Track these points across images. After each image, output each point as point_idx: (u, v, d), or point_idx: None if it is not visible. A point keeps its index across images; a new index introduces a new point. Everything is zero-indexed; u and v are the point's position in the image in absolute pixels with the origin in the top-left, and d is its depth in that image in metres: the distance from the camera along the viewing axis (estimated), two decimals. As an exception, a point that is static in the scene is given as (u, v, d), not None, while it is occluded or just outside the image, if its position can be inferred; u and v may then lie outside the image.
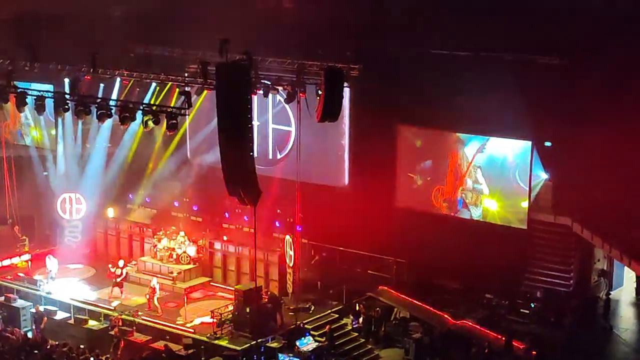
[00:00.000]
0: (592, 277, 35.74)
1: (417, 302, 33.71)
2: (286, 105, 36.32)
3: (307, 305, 32.98)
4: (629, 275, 35.92)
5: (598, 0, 32.28)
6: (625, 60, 31.44)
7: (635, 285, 35.67)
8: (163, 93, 36.77)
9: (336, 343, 31.41)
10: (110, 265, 35.21)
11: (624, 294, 36.16)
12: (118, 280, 34.50)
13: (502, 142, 34.92)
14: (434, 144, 36.76)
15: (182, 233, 36.95)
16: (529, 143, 34.18)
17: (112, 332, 31.21)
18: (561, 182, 34.63)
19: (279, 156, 40.18)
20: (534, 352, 29.61)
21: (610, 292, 35.02)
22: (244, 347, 29.68)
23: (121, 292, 34.38)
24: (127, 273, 35.43)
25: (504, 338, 30.54)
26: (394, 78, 35.77)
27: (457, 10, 34.21)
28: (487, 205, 35.43)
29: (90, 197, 40.07)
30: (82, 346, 29.40)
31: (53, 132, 42.56)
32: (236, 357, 28.95)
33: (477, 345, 30.52)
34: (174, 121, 28.89)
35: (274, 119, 39.78)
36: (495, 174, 35.18)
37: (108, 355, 28.80)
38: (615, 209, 32.95)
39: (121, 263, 35.14)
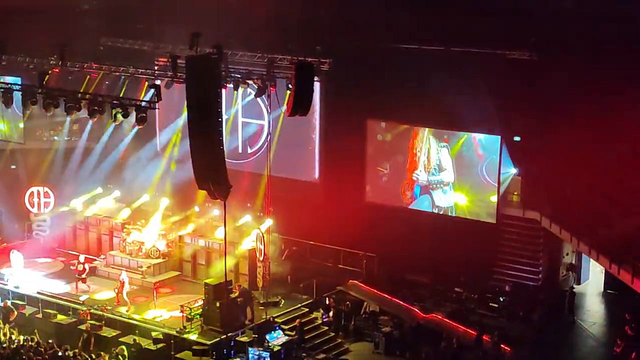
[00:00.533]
0: (561, 271, 36.03)
1: (387, 296, 33.84)
2: (258, 100, 36.28)
3: (277, 300, 32.97)
4: (596, 269, 36.20)
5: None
6: (594, 56, 31.66)
7: (603, 279, 35.92)
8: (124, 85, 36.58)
9: (306, 337, 31.42)
10: (74, 262, 34.98)
11: (591, 288, 36.43)
12: (82, 275, 34.26)
13: (470, 136, 35.02)
14: (403, 138, 36.78)
15: (150, 226, 36.74)
16: (498, 138, 34.32)
17: (83, 327, 30.99)
18: (530, 177, 34.84)
19: (249, 150, 40.12)
20: (503, 346, 29.77)
21: (574, 286, 35.25)
22: (213, 341, 29.60)
23: (88, 287, 34.17)
24: (91, 267, 35.18)
25: (474, 332, 30.71)
26: (364, 73, 35.83)
27: (427, 5, 34.27)
28: (456, 199, 35.55)
29: (58, 191, 39.78)
30: (50, 341, 29.18)
31: (21, 125, 42.21)
32: (206, 352, 28.87)
33: (446, 339, 30.63)
34: (144, 114, 28.73)
35: (244, 112, 39.71)
36: (464, 168, 35.31)
37: (76, 350, 28.58)
38: (584, 203, 33.21)
39: (82, 258, 34.89)
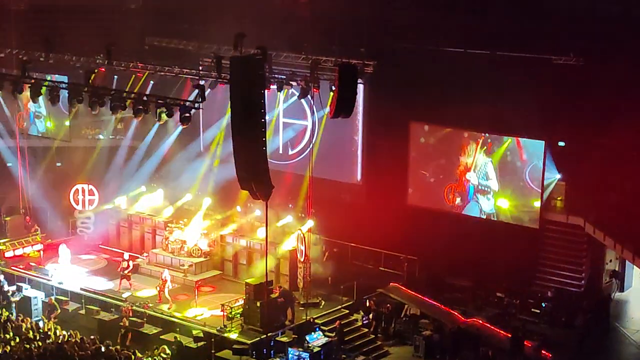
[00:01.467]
0: (604, 278, 35.65)
1: (427, 300, 33.70)
2: (302, 101, 36.37)
3: (318, 301, 32.99)
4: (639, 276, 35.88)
5: (616, 4, 32.10)
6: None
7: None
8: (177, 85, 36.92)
9: (346, 339, 31.40)
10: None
11: (634, 295, 36.04)
12: (125, 272, 34.55)
13: (514, 140, 34.82)
14: (447, 141, 36.65)
15: (193, 226, 36.95)
16: (542, 143, 34.08)
17: (121, 323, 31.30)
18: (574, 182, 34.55)
19: (290, 152, 40.20)
20: (543, 352, 29.55)
21: (611, 295, 34.95)
22: (253, 340, 29.70)
23: (130, 285, 34.45)
24: (134, 265, 35.46)
25: (513, 337, 30.54)
26: (408, 75, 35.76)
27: (472, 8, 34.16)
28: (499, 203, 35.36)
29: (102, 189, 40.18)
30: (92, 337, 29.47)
31: (66, 122, 42.68)
32: (246, 351, 28.97)
33: (486, 344, 30.49)
34: (187, 114, 28.91)
35: (286, 113, 39.81)
36: (507, 172, 35.11)
37: (118, 347, 28.84)
38: (628, 210, 32.85)
39: (126, 255, 35.19)
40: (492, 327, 31.64)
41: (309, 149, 36.57)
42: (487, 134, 35.40)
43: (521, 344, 30.13)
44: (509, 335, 30.64)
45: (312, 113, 33.81)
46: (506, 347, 30.33)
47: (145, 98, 30.14)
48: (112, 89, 31.76)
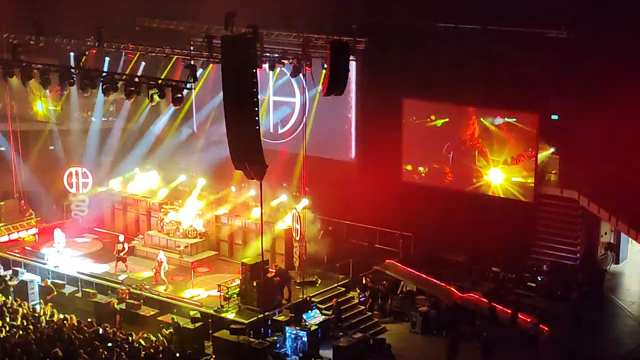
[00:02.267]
0: (599, 251, 35.74)
1: (423, 276, 33.79)
2: (291, 78, 36.26)
3: (314, 279, 33.03)
4: (635, 248, 35.91)
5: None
6: (634, 34, 31.23)
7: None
8: (169, 67, 36.84)
9: (343, 316, 31.47)
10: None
11: (629, 267, 36.14)
12: (121, 254, 34.53)
13: (508, 114, 34.85)
14: (440, 119, 36.65)
15: (188, 207, 36.92)
16: (536, 116, 34.08)
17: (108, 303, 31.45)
18: (568, 155, 34.56)
19: (280, 130, 40.13)
20: (541, 326, 29.67)
21: (606, 268, 35.15)
22: (251, 320, 29.74)
23: (126, 267, 34.44)
24: (129, 247, 35.43)
25: (510, 311, 30.68)
26: (400, 51, 35.71)
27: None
28: (492, 177, 35.42)
29: (96, 171, 40.10)
30: (89, 319, 29.49)
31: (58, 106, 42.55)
32: (243, 330, 29.02)
33: (482, 318, 30.64)
34: (179, 95, 28.81)
35: (276, 91, 39.71)
36: (501, 146, 35.12)
37: (115, 329, 28.87)
38: (622, 182, 32.89)
39: (121, 238, 35.15)
40: (489, 302, 31.73)
41: (300, 127, 36.53)
42: (481, 108, 35.39)
43: (516, 317, 30.26)
44: (508, 310, 30.76)
45: (304, 91, 33.66)
46: (503, 321, 30.46)
47: (136, 79, 30.02)
48: (103, 70, 31.63)
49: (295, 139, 38.51)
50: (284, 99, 39.83)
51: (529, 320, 29.99)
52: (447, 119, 36.38)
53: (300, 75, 33.50)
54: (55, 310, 30.29)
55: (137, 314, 31.14)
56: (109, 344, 26.27)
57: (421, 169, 37.40)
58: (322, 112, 37.38)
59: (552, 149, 35.00)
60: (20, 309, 29.78)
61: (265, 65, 32.88)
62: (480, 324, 30.49)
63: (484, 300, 31.57)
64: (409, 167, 37.61)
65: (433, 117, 36.75)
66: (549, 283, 33.31)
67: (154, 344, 27.19)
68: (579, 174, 33.97)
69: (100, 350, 25.50)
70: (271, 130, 40.17)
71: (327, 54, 28.86)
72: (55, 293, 32.61)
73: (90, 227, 39.43)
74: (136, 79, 30.13)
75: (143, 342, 27.17)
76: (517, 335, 29.70)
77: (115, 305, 31.30)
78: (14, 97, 41.40)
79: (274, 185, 35.59)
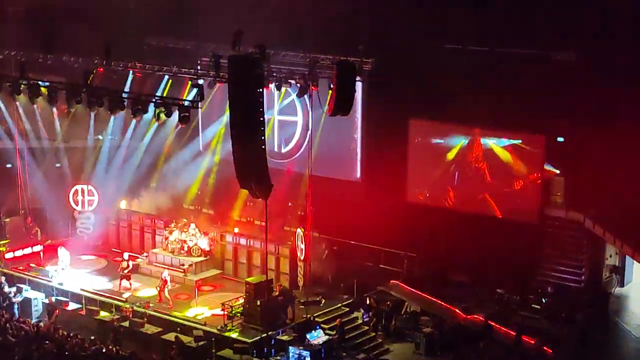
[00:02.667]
0: (604, 273, 35.65)
1: (428, 297, 33.72)
2: (295, 98, 36.34)
3: (318, 299, 32.99)
4: (639, 271, 35.80)
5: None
6: (640, 56, 31.34)
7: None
8: (168, 85, 36.95)
9: (347, 337, 31.39)
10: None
11: (634, 290, 36.03)
12: (125, 272, 34.52)
13: (513, 136, 34.90)
14: (446, 139, 36.71)
15: (193, 225, 36.96)
16: (542, 137, 34.12)
17: (108, 320, 31.50)
18: (573, 178, 34.54)
19: (283, 149, 40.20)
20: (545, 348, 29.58)
21: (611, 291, 35.07)
22: (254, 339, 29.71)
23: (130, 285, 34.43)
24: (133, 265, 35.43)
25: (514, 333, 30.59)
26: (406, 72, 35.75)
27: (472, 4, 34.12)
28: (497, 198, 35.44)
29: (102, 189, 40.17)
30: (92, 337, 29.48)
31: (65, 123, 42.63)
32: (246, 350, 28.99)
33: (486, 340, 30.57)
34: (186, 114, 28.90)
35: (280, 111, 39.84)
36: (506, 168, 35.14)
37: (119, 347, 28.85)
38: (628, 205, 32.82)
39: (126, 255, 35.15)
40: (493, 324, 31.65)
41: (305, 146, 36.58)
42: (487, 130, 35.46)
43: (520, 339, 30.18)
44: (512, 333, 30.69)
45: (309, 111, 33.73)
46: (507, 343, 30.38)
47: (143, 98, 30.13)
48: (110, 89, 31.76)
49: (300, 158, 38.58)
50: (287, 117, 39.92)
51: (532, 342, 29.87)
52: (453, 141, 36.43)
53: (306, 95, 33.53)
54: (59, 328, 30.32)
55: (141, 332, 31.11)
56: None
57: (426, 189, 37.38)
58: (328, 132, 37.42)
59: (558, 171, 34.98)
60: (24, 326, 29.81)
61: (272, 85, 32.97)
62: (484, 346, 30.39)
63: (485, 321, 31.49)
64: (415, 188, 37.60)
65: (439, 139, 36.79)
66: (554, 305, 33.20)
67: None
68: (584, 196, 33.93)
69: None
70: (275, 149, 40.23)
71: (334, 74, 29.03)
72: (58, 312, 32.59)
73: (95, 244, 39.44)
74: (143, 98, 30.22)
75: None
76: (521, 357, 29.55)
77: (115, 323, 31.27)
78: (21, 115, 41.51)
79: (279, 205, 35.59)
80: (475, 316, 32.16)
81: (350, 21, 35.98)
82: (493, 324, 31.21)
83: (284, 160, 40.02)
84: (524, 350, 29.83)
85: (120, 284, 34.44)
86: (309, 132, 34.26)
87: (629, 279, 36.36)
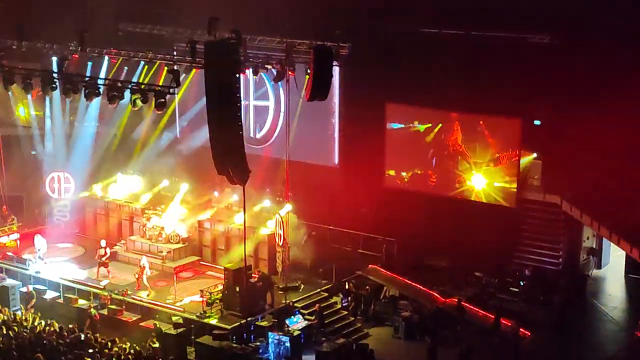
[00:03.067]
0: (581, 255, 35.86)
1: (406, 281, 33.81)
2: (267, 83, 36.22)
3: (297, 284, 32.99)
4: (616, 253, 36.02)
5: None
6: (616, 40, 31.36)
7: (624, 263, 35.73)
8: (152, 71, 36.77)
9: (326, 322, 31.44)
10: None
11: (611, 272, 36.28)
12: (103, 259, 34.38)
13: (490, 119, 34.96)
14: (422, 122, 36.73)
15: (170, 212, 36.82)
16: (518, 121, 34.21)
17: (85, 308, 31.38)
18: (550, 161, 34.68)
19: (258, 135, 40.12)
20: (522, 330, 29.74)
21: (588, 273, 35.32)
22: (233, 325, 29.68)
23: (108, 272, 34.30)
24: (111, 252, 35.28)
25: (488, 315, 30.77)
26: (383, 57, 35.75)
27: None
28: (475, 182, 35.51)
29: (78, 176, 39.95)
30: (71, 325, 29.35)
31: (41, 111, 42.34)
32: (226, 336, 28.96)
33: (463, 324, 30.70)
34: (163, 100, 28.74)
35: (254, 95, 39.75)
36: (484, 148, 35.23)
37: (98, 335, 28.74)
38: (604, 187, 33.03)
39: (103, 243, 34.97)
40: (471, 307, 31.79)
41: (281, 132, 36.52)
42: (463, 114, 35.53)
43: (498, 322, 30.33)
44: (491, 315, 30.83)
45: (287, 96, 33.63)
46: (485, 326, 30.52)
47: (119, 84, 29.93)
48: (85, 75, 31.52)
49: (277, 144, 38.52)
50: (261, 102, 39.84)
51: (509, 324, 30.01)
52: (430, 124, 36.45)
53: (282, 80, 33.44)
54: (36, 316, 30.17)
55: (119, 319, 31.00)
56: (90, 350, 26.16)
57: (404, 174, 37.46)
58: (305, 117, 37.36)
59: (535, 154, 35.10)
60: (1, 315, 29.64)
61: (249, 71, 32.85)
62: (461, 330, 30.53)
63: (457, 302, 31.66)
64: (392, 172, 37.66)
65: (416, 123, 36.84)
66: (532, 288, 33.40)
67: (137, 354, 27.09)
68: (561, 179, 34.08)
69: (82, 356, 25.40)
70: (251, 134, 40.12)
71: (311, 59, 28.92)
72: (35, 300, 32.41)
73: (72, 232, 39.25)
74: (119, 84, 30.02)
75: (125, 348, 27.08)
76: (498, 340, 29.69)
77: (91, 310, 31.16)
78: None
79: (256, 191, 35.51)
80: (453, 299, 32.27)
81: (326, 6, 35.85)
82: (466, 305, 31.41)
83: (260, 145, 39.94)
84: (501, 333, 29.96)
85: (98, 272, 34.29)
86: (287, 117, 34.15)
87: (606, 261, 36.63)
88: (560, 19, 32.29)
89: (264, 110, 40.05)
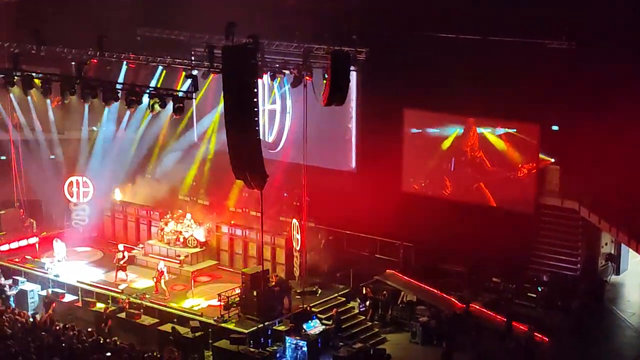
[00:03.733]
0: (600, 261, 35.71)
1: (424, 286, 33.76)
2: (286, 88, 36.23)
3: (314, 289, 33.01)
4: (635, 259, 35.88)
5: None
6: (634, 44, 31.27)
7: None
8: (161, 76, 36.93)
9: (343, 326, 31.44)
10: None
11: (630, 278, 36.10)
12: (121, 263, 34.48)
13: (508, 125, 34.92)
14: (441, 129, 36.72)
15: (188, 216, 36.93)
16: (536, 126, 34.14)
17: (102, 310, 31.64)
18: (568, 166, 34.57)
19: (278, 139, 40.15)
20: (540, 335, 29.65)
21: (606, 279, 35.17)
22: (251, 330, 29.72)
23: (126, 276, 34.41)
24: (129, 256, 35.39)
25: (505, 320, 30.71)
26: (401, 62, 35.73)
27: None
28: (492, 187, 35.46)
29: (97, 181, 40.12)
30: (89, 329, 29.48)
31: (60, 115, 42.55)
32: (243, 340, 29.00)
33: (481, 329, 30.64)
34: (180, 104, 28.84)
35: (273, 101, 39.88)
36: (501, 157, 35.15)
37: (116, 338, 28.85)
38: (623, 193, 32.86)
39: (121, 247, 35.09)
40: (489, 312, 31.71)
41: (299, 137, 36.50)
42: (481, 119, 35.48)
43: (510, 326, 30.30)
44: (504, 320, 30.78)
45: (305, 101, 33.64)
46: (499, 330, 30.47)
47: (137, 89, 30.06)
48: (104, 80, 31.68)
49: (295, 149, 38.52)
50: (279, 107, 39.90)
51: (524, 329, 29.92)
52: (448, 130, 36.44)
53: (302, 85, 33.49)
54: (56, 320, 30.32)
55: (137, 323, 31.10)
56: (108, 354, 26.27)
57: (422, 179, 37.41)
58: (323, 122, 37.34)
59: (553, 160, 35.00)
60: (19, 318, 29.80)
61: (266, 76, 32.91)
62: (476, 335, 30.47)
63: (466, 306, 31.81)
64: (410, 178, 37.61)
65: (434, 128, 36.83)
66: (549, 294, 33.28)
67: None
68: (579, 185, 33.96)
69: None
70: (270, 139, 40.17)
71: (328, 64, 28.95)
72: (55, 304, 32.57)
73: (90, 236, 39.38)
74: (137, 89, 30.15)
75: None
76: (513, 345, 29.58)
77: (107, 311, 31.33)
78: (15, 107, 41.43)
79: (274, 195, 35.58)
80: (471, 304, 32.21)
81: (344, 11, 35.91)
82: (482, 310, 31.43)
83: (278, 150, 40.00)
84: (514, 337, 29.86)
85: (116, 276, 34.41)
86: (304, 122, 34.18)
87: (624, 267, 36.43)
88: (578, 25, 32.17)
89: (283, 115, 40.04)
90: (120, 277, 34.40)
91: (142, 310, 31.70)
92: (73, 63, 33.68)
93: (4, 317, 29.69)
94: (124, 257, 34.59)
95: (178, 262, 35.56)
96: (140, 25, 40.80)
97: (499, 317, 31.36)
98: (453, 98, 34.72)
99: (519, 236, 34.65)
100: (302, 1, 36.99)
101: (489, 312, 31.76)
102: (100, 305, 32.42)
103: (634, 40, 31.23)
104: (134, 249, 37.13)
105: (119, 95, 30.17)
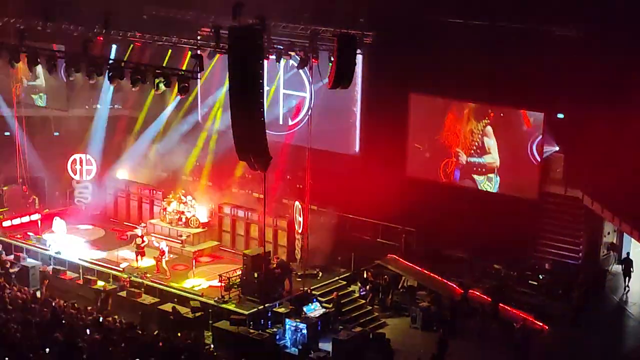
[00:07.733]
0: (602, 250, 35.67)
1: (425, 271, 33.76)
2: (300, 72, 36.16)
3: (315, 272, 33.02)
4: (637, 248, 35.80)
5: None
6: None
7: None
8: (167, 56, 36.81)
9: (343, 310, 31.47)
10: (129, 233, 35.37)
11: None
12: (141, 247, 34.09)
13: (515, 112, 34.81)
14: (445, 113, 36.61)
15: (190, 197, 36.93)
16: (542, 114, 34.05)
17: (100, 287, 31.71)
18: (573, 154, 34.48)
19: (290, 122, 40.05)
20: (539, 324, 29.69)
21: (607, 268, 35.18)
22: (251, 311, 29.76)
23: (141, 258, 34.11)
24: (131, 236, 35.36)
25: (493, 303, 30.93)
26: (407, 46, 35.57)
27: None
28: (497, 174, 35.42)
29: (100, 159, 40.09)
30: (89, 307, 29.52)
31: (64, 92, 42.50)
32: (243, 321, 29.03)
33: (481, 315, 30.69)
34: (185, 84, 28.74)
35: (286, 84, 39.63)
36: (507, 144, 35.08)
37: (117, 316, 28.89)
38: (626, 182, 32.76)
39: (139, 231, 34.73)
40: (489, 299, 31.73)
41: (305, 121, 36.45)
42: (486, 105, 35.36)
43: (496, 309, 30.63)
44: (509, 308, 30.85)
45: (311, 83, 33.58)
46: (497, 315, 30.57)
47: (143, 68, 29.96)
48: (110, 58, 31.56)
49: (299, 131, 38.48)
50: (293, 92, 39.69)
51: (519, 316, 30.04)
52: (453, 115, 36.35)
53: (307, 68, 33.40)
54: (55, 296, 30.36)
55: (138, 302, 31.13)
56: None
57: (425, 164, 37.33)
58: (328, 105, 37.29)
59: (557, 147, 34.92)
60: (19, 294, 29.83)
61: (273, 57, 32.81)
62: (479, 320, 30.53)
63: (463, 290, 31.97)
64: (414, 162, 37.54)
65: (439, 113, 36.74)
66: (551, 281, 33.27)
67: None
68: (583, 173, 33.90)
69: (100, 337, 25.53)
70: (281, 122, 40.02)
71: (334, 46, 28.83)
72: (47, 281, 32.55)
73: (93, 214, 39.38)
74: (142, 68, 30.06)
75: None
76: (520, 335, 29.56)
77: (107, 288, 31.44)
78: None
79: (277, 177, 35.54)
80: (471, 290, 32.23)
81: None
82: (475, 293, 31.67)
83: (282, 132, 39.92)
84: (510, 324, 29.89)
85: (137, 259, 34.06)
86: (309, 104, 34.12)
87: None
88: (586, 12, 32.04)
89: (295, 99, 39.85)
90: (122, 255, 34.29)
91: (142, 290, 31.73)
92: (79, 40, 33.58)
93: (4, 292, 29.70)
94: (143, 241, 34.39)
95: (180, 242, 35.57)
96: (147, 3, 40.64)
97: (501, 304, 31.37)
98: (458, 83, 34.64)
99: (522, 223, 34.59)
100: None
101: (487, 298, 31.76)
102: (101, 284, 32.45)
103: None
104: (136, 228, 37.11)
105: (124, 73, 30.02)
